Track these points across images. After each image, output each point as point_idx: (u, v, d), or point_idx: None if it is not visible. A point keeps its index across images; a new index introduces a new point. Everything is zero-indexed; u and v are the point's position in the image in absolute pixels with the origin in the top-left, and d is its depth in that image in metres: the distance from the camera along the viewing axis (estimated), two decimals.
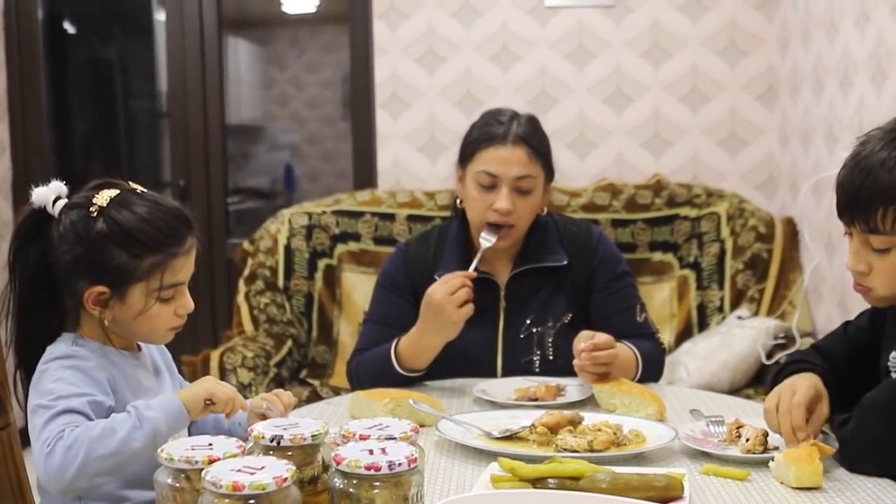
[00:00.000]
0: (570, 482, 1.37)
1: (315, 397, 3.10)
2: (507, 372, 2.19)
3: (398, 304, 2.26)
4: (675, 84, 3.60)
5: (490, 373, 2.20)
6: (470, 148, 2.24)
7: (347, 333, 3.44)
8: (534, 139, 2.21)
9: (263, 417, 1.70)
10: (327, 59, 6.47)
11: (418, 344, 2.08)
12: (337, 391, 3.15)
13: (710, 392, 2.12)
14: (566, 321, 2.23)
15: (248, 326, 3.32)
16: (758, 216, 3.33)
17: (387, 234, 3.47)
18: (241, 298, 3.39)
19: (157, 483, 1.15)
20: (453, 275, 2.06)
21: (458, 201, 2.32)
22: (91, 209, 1.52)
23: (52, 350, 1.54)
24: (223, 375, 3.00)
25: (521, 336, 2.23)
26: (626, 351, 2.09)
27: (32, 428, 1.42)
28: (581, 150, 3.67)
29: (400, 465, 1.11)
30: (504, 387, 2.04)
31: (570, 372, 2.11)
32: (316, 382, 3.27)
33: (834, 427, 1.56)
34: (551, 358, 2.22)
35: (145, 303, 1.53)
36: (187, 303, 1.59)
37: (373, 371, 2.15)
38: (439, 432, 1.68)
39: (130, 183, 1.60)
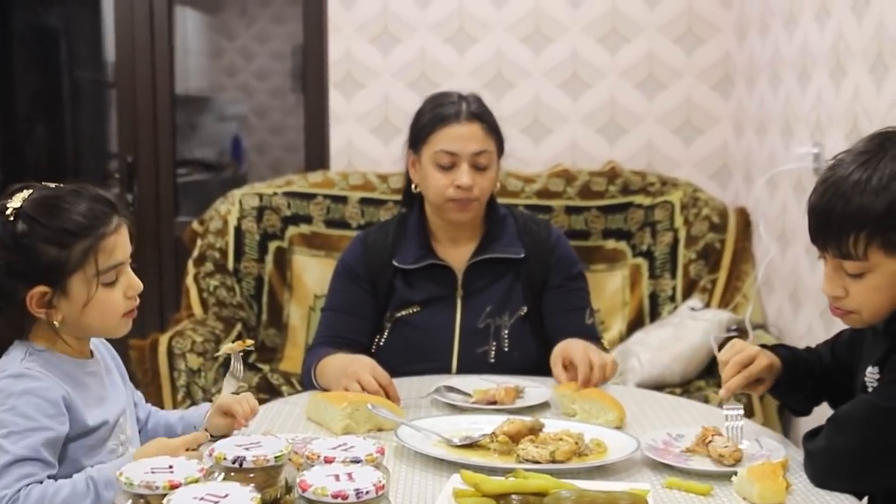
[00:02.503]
0: (535, 499, 1.36)
1: (264, 383, 3.07)
2: (463, 361, 2.19)
3: (356, 293, 2.27)
4: (631, 70, 3.59)
5: (445, 362, 2.20)
6: (424, 131, 2.25)
7: (298, 317, 3.40)
8: (486, 115, 2.26)
9: (226, 414, 1.69)
10: (277, 30, 6.35)
11: (331, 373, 2.05)
12: (286, 376, 3.13)
13: (680, 399, 2.11)
14: (522, 314, 2.26)
15: (198, 309, 3.27)
16: (711, 206, 3.34)
17: (339, 217, 3.43)
18: (189, 280, 3.33)
19: None
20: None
21: (413, 186, 2.31)
22: (7, 213, 1.50)
23: (4, 364, 1.51)
24: (172, 360, 2.95)
25: (479, 325, 2.24)
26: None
27: None
28: (536, 135, 3.64)
29: (367, 493, 1.09)
30: (462, 386, 2.02)
31: (524, 365, 2.13)
32: (266, 367, 3.23)
33: (802, 440, 1.57)
34: (506, 350, 2.24)
35: (88, 291, 1.51)
36: (134, 282, 1.57)
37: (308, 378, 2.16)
38: (398, 439, 1.66)
39: (45, 183, 1.59)
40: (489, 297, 2.25)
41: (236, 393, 1.66)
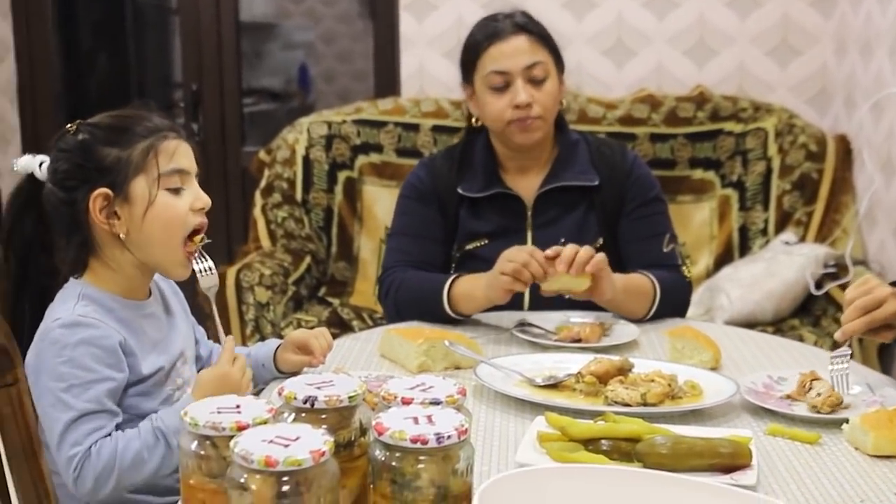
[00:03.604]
0: (626, 444, 1.29)
1: (334, 317, 3.05)
2: (535, 298, 2.11)
3: (427, 215, 2.21)
4: None
5: (516, 298, 2.12)
6: (471, 57, 2.19)
7: (368, 250, 3.38)
8: (533, 25, 2.17)
9: (300, 349, 1.65)
10: None
11: (478, 293, 2.00)
12: (357, 310, 3.11)
13: (780, 339, 2.01)
14: (597, 245, 2.15)
15: (266, 242, 3.27)
16: (808, 133, 3.20)
17: (410, 145, 3.38)
18: (257, 212, 3.33)
19: (181, 449, 1.07)
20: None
21: (473, 120, 2.25)
22: (70, 126, 1.53)
23: (57, 310, 1.48)
24: (240, 294, 2.94)
25: None
26: (640, 279, 2.04)
27: (47, 417, 1.41)
28: (618, 58, 3.51)
29: (449, 437, 1.02)
30: (543, 323, 1.97)
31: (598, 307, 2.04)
32: (335, 301, 3.22)
33: None
34: None
35: (150, 193, 1.49)
36: (202, 195, 1.54)
37: (416, 298, 2.08)
38: (477, 378, 1.60)
39: None
40: (562, 228, 2.16)
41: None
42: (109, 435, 1.41)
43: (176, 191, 1.51)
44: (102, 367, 1.44)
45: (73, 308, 1.47)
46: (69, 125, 1.54)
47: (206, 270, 1.59)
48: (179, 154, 1.52)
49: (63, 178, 1.50)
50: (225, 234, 3.82)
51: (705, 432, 1.34)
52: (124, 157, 1.49)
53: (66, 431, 1.39)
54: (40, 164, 1.54)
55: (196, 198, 1.53)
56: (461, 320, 2.03)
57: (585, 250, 1.89)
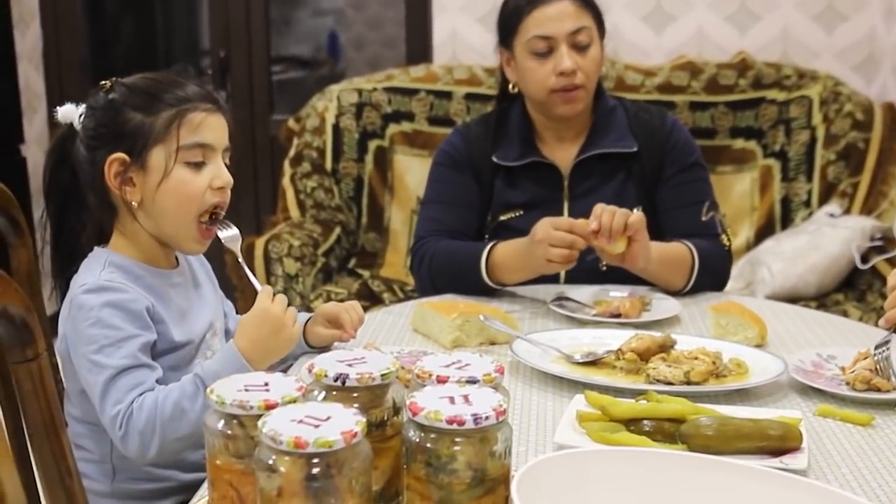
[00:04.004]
0: (670, 425, 1.25)
1: (365, 289, 3.03)
2: (571, 271, 2.06)
3: (461, 183, 2.18)
4: None
5: None
6: (512, 20, 2.14)
7: (399, 220, 3.36)
8: None
9: (330, 323, 1.62)
10: None
11: (519, 262, 1.96)
12: (388, 282, 3.09)
13: (826, 315, 1.95)
14: None
15: (294, 212, 3.25)
16: (855, 101, 3.12)
17: (443, 113, 3.35)
18: (286, 181, 3.31)
19: (206, 428, 1.04)
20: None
21: (510, 86, 2.20)
22: (105, 82, 1.51)
23: (83, 277, 1.46)
24: (268, 265, 2.93)
25: None
26: (677, 248, 1.99)
27: (87, 385, 1.41)
28: (657, 23, 3.44)
29: (487, 418, 0.98)
30: (581, 297, 1.93)
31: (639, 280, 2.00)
32: (366, 273, 3.20)
33: None
34: None
35: (167, 164, 1.45)
36: (223, 173, 1.49)
37: (451, 268, 2.05)
38: (513, 354, 1.57)
39: None
40: (599, 197, 2.07)
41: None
42: (152, 390, 1.38)
43: (197, 165, 1.47)
44: (131, 326, 1.41)
45: (98, 274, 1.45)
46: (105, 81, 1.51)
47: (223, 226, 1.54)
48: (205, 127, 1.48)
49: (88, 136, 1.48)
50: (253, 204, 3.81)
51: (752, 413, 1.30)
52: (147, 124, 1.45)
53: (106, 392, 1.37)
54: (80, 116, 1.51)
55: (216, 175, 1.48)
56: (497, 293, 2.00)
57: (620, 215, 1.84)
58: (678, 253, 1.99)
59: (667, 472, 1.03)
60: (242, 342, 1.42)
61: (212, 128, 1.48)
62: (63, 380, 1.52)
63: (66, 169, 1.52)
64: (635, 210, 2.06)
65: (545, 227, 1.87)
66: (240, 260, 1.54)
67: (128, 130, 1.45)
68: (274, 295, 1.47)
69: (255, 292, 1.48)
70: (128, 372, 1.38)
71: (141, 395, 1.37)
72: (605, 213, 1.84)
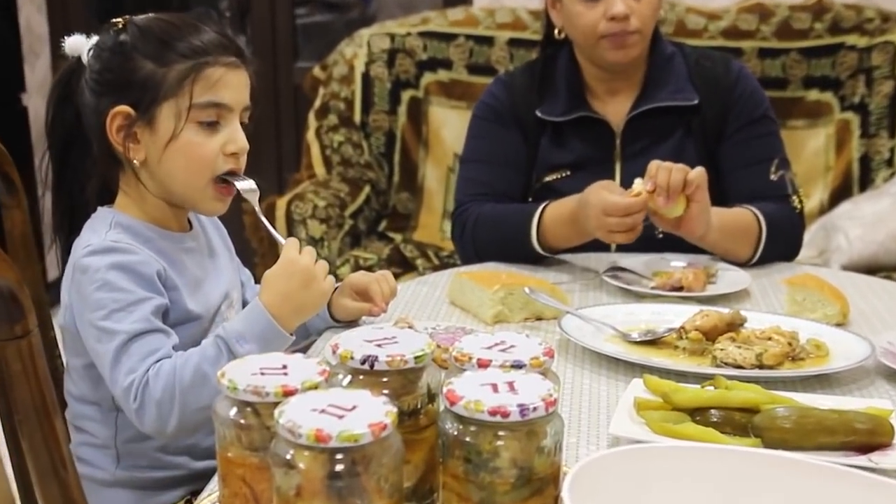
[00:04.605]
0: (741, 416, 1.20)
1: (396, 254, 3.01)
2: None
3: (504, 138, 2.14)
4: None
5: None
6: None
7: (434, 179, 3.35)
8: None
9: (358, 295, 1.58)
10: None
11: (573, 226, 1.91)
12: (422, 247, 3.08)
13: None
14: None
15: (320, 169, 3.25)
16: None
17: (483, 61, 3.32)
18: (311, 135, 3.30)
19: (216, 416, 1.00)
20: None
21: (556, 32, 2.15)
22: (117, 21, 1.46)
23: (87, 238, 1.42)
24: (291, 228, 2.92)
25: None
26: (741, 214, 1.95)
27: (96, 356, 1.37)
28: None
29: (535, 409, 0.93)
30: (638, 268, 1.89)
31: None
32: (397, 237, 3.20)
33: None
34: None
35: (176, 124, 1.40)
36: (237, 137, 1.44)
37: (498, 234, 2.02)
38: (563, 331, 1.53)
39: None
40: (655, 156, 2.00)
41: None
42: (169, 357, 1.35)
43: (210, 126, 1.42)
44: (141, 289, 1.37)
45: (104, 235, 1.41)
46: (117, 19, 1.46)
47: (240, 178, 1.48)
48: (223, 85, 1.42)
49: (93, 79, 1.43)
50: (275, 160, 3.80)
51: (836, 403, 1.25)
52: (158, 76, 1.40)
53: (117, 360, 1.33)
54: (89, 50, 1.45)
55: (230, 140, 1.43)
56: (544, 261, 1.98)
57: (678, 171, 1.78)
58: (743, 220, 1.95)
59: (739, 471, 0.98)
60: (269, 297, 1.38)
61: (231, 85, 1.43)
62: (63, 355, 1.49)
63: (70, 107, 1.47)
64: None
65: (597, 212, 1.81)
66: (258, 212, 1.49)
67: (136, 80, 1.41)
68: (301, 246, 1.43)
69: (277, 253, 1.43)
70: (141, 337, 1.34)
71: (157, 362, 1.33)
72: (660, 171, 1.78)
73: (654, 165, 1.80)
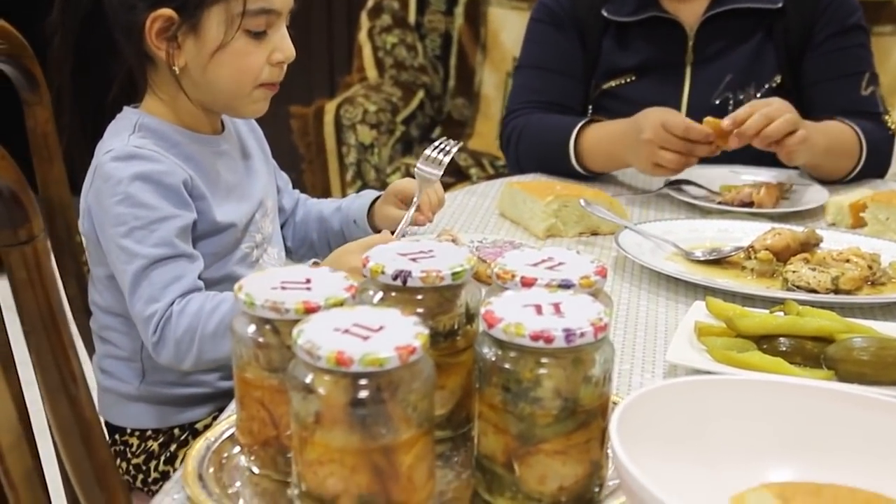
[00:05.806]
0: (813, 345, 1.14)
1: (450, 163, 2.94)
2: None
3: (562, 44, 2.09)
4: None
5: None
6: None
7: (492, 84, 3.32)
8: None
9: (403, 203, 1.54)
10: None
11: (613, 151, 1.87)
12: (476, 156, 3.08)
13: None
14: (774, 85, 2.03)
15: (372, 72, 3.23)
16: None
17: None
18: (363, 36, 3.28)
19: (233, 333, 0.94)
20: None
21: None
22: None
23: (109, 142, 1.36)
24: (340, 133, 2.89)
25: (715, 102, 2.03)
26: (844, 132, 1.88)
27: (117, 273, 1.34)
28: None
29: (582, 335, 0.86)
30: (705, 181, 1.84)
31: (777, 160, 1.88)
32: None
33: None
34: None
35: (225, 33, 1.34)
36: (285, 46, 1.38)
37: (538, 150, 1.99)
38: (619, 248, 1.48)
39: None
40: (730, 62, 2.03)
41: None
42: (197, 290, 1.30)
43: (258, 35, 1.36)
44: (166, 204, 1.32)
45: (127, 139, 1.35)
46: None
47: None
48: None
49: None
50: (327, 62, 3.79)
51: None
52: None
53: (137, 284, 1.29)
54: None
55: (277, 48, 1.38)
56: (598, 175, 1.93)
57: (784, 122, 1.68)
58: (846, 140, 1.89)
59: (809, 408, 0.91)
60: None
61: None
62: (88, 262, 1.44)
63: None
64: (776, 80, 1.91)
65: (655, 125, 1.75)
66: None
67: None
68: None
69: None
70: (163, 263, 1.30)
71: (182, 295, 1.29)
72: (756, 118, 1.69)
73: (748, 108, 1.71)
